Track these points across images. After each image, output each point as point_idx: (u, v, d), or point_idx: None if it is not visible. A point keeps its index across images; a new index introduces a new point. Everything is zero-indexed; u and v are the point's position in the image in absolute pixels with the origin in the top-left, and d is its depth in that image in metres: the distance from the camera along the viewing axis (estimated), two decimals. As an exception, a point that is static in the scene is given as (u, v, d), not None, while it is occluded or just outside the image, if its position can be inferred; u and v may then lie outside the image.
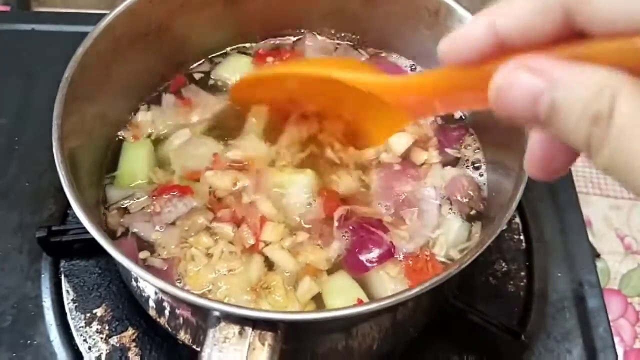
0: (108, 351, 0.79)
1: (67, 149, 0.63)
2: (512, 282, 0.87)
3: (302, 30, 0.93)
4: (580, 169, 1.17)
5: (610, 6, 0.34)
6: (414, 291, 0.55)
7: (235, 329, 0.54)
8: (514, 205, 0.63)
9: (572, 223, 0.92)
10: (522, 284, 0.87)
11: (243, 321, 0.54)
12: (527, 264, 0.88)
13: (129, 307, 0.82)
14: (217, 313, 0.54)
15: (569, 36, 0.37)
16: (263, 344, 0.53)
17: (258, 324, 0.54)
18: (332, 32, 0.94)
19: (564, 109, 0.35)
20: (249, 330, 0.54)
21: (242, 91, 0.84)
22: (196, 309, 0.63)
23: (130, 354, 0.79)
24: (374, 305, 0.55)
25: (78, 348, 0.79)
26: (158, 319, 0.75)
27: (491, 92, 0.38)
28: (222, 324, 0.54)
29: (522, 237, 0.91)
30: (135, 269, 0.56)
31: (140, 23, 0.76)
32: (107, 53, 0.72)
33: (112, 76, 0.74)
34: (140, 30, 0.76)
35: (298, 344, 0.63)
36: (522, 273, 0.88)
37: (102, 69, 0.72)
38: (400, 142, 0.82)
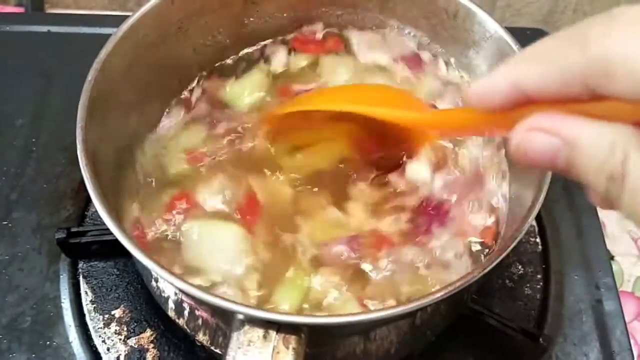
0: (126, 352, 0.80)
1: (91, 152, 0.63)
2: (528, 285, 0.87)
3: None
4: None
5: (634, 88, 0.35)
6: (439, 295, 0.55)
7: (260, 332, 0.54)
8: (535, 212, 0.63)
9: (589, 226, 0.92)
10: (538, 287, 0.87)
11: (267, 324, 0.54)
12: (544, 266, 0.88)
13: (147, 309, 0.83)
14: (241, 316, 0.55)
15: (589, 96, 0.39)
16: (287, 348, 0.54)
17: (282, 327, 0.54)
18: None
19: (580, 167, 0.38)
20: (273, 333, 0.54)
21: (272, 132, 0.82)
22: (219, 312, 0.63)
23: (148, 355, 0.80)
24: (399, 309, 0.56)
25: (97, 349, 0.80)
26: (177, 320, 0.75)
27: (510, 147, 0.42)
28: (247, 327, 0.54)
29: (538, 240, 0.91)
30: (159, 271, 0.56)
31: (162, 24, 0.76)
32: (130, 55, 0.72)
33: (133, 78, 0.74)
34: (162, 32, 0.76)
35: (320, 347, 0.63)
36: (539, 276, 0.88)
37: (124, 70, 0.72)
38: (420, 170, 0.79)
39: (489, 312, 0.79)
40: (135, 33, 0.73)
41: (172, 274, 0.56)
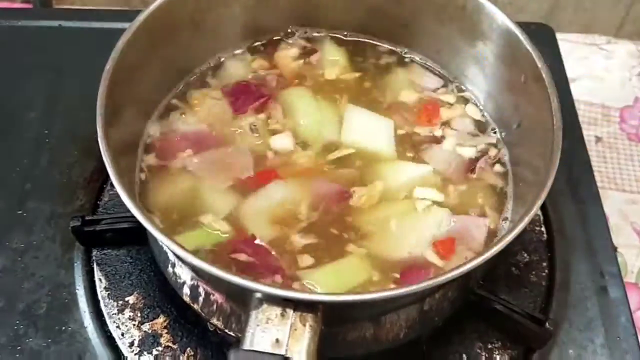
0: (140, 337, 0.81)
1: (110, 139, 0.65)
2: (534, 273, 0.89)
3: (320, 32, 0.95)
4: (596, 165, 1.19)
5: None
6: (451, 274, 0.57)
7: (277, 310, 0.55)
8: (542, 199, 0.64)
9: (593, 216, 0.94)
10: (543, 274, 0.89)
11: (285, 303, 0.56)
12: (549, 254, 0.90)
13: (160, 296, 0.84)
14: (259, 295, 0.56)
15: None
16: (304, 325, 0.55)
17: (299, 305, 0.56)
18: (353, 26, 0.95)
19: None
20: (290, 311, 0.55)
21: None
22: (237, 291, 0.65)
23: (162, 340, 0.81)
24: (413, 287, 0.57)
25: (111, 334, 0.81)
26: (192, 305, 0.77)
27: None
28: (265, 305, 0.56)
29: (543, 229, 0.92)
30: (181, 252, 0.58)
31: (176, 16, 0.78)
32: (145, 46, 0.74)
33: (148, 68, 0.76)
34: (176, 24, 0.78)
35: (333, 327, 0.65)
36: (544, 264, 0.89)
37: (140, 61, 0.74)
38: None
39: (496, 297, 0.80)
40: (150, 24, 0.75)
41: (192, 254, 0.57)
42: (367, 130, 0.85)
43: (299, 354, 0.54)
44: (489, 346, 0.82)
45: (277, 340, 0.54)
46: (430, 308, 0.75)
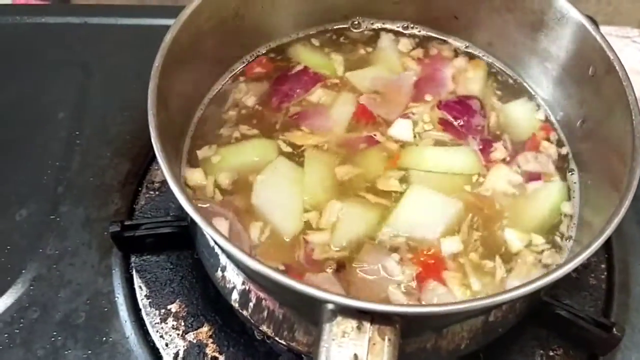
0: (185, 347, 0.77)
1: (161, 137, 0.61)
2: (593, 275, 0.85)
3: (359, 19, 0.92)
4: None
5: None
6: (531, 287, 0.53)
7: (353, 323, 0.52)
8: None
9: (649, 212, 0.90)
10: (602, 276, 0.85)
11: (360, 315, 0.52)
12: (607, 256, 0.86)
13: (203, 303, 0.81)
14: (332, 306, 0.52)
15: None
16: (383, 339, 0.51)
17: (376, 317, 0.52)
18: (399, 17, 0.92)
19: None
20: (367, 324, 0.52)
21: None
22: (303, 301, 0.61)
23: (208, 350, 0.77)
24: (491, 300, 0.53)
25: (155, 345, 0.78)
26: (241, 311, 0.72)
27: None
28: (339, 318, 0.52)
29: (600, 229, 0.88)
30: (246, 259, 0.54)
31: (221, 9, 0.74)
32: (191, 40, 0.70)
33: (194, 62, 0.72)
34: (221, 16, 0.74)
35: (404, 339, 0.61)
36: (602, 265, 0.86)
37: (186, 55, 0.70)
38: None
39: (559, 303, 0.76)
40: (197, 17, 0.71)
41: (259, 261, 0.53)
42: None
43: (380, 371, 0.50)
44: (550, 353, 0.79)
45: (355, 356, 0.50)
46: (495, 319, 0.71)
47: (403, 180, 0.77)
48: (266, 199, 0.75)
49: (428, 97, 0.86)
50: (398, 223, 0.73)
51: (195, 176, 0.77)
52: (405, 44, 0.91)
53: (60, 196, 0.89)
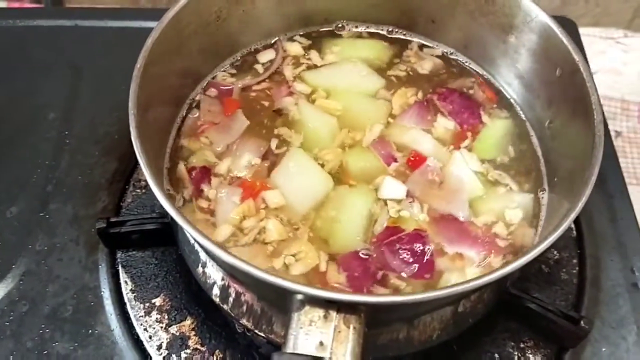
0: (168, 340, 0.80)
1: (142, 138, 0.63)
2: (564, 270, 0.87)
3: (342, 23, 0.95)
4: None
5: None
6: (492, 276, 0.56)
7: (320, 312, 0.54)
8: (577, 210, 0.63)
9: (621, 211, 0.93)
10: (574, 271, 0.87)
11: (328, 304, 0.54)
12: (579, 251, 0.89)
13: (186, 297, 0.83)
14: (301, 296, 0.55)
15: None
16: (348, 327, 0.54)
17: (342, 307, 0.54)
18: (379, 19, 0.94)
19: None
20: (333, 313, 0.54)
21: None
22: (275, 292, 0.63)
23: (190, 343, 0.80)
24: (453, 289, 0.56)
25: (139, 337, 0.80)
26: (222, 305, 0.75)
27: None
28: (307, 307, 0.54)
29: (572, 226, 0.91)
30: (218, 251, 0.56)
31: (203, 13, 0.77)
32: (173, 43, 0.73)
33: (175, 65, 0.75)
34: (202, 20, 0.77)
35: (372, 329, 0.64)
36: (574, 261, 0.88)
37: (167, 57, 0.73)
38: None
39: (529, 296, 0.79)
40: (178, 22, 0.73)
41: (233, 255, 0.56)
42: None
43: (344, 357, 0.53)
44: (521, 345, 0.81)
45: (321, 343, 0.53)
46: (464, 309, 0.73)
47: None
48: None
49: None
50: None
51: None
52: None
53: (50, 194, 0.92)
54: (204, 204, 0.77)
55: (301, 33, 0.93)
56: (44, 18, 1.15)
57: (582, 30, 1.35)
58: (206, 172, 0.79)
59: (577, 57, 0.71)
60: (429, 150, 0.81)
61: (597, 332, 0.83)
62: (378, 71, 0.90)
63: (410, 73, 0.91)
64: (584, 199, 0.61)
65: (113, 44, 1.10)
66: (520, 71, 0.83)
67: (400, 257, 0.70)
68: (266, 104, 0.87)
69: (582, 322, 0.77)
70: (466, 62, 0.90)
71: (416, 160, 0.80)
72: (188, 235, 0.72)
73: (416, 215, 0.75)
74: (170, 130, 0.82)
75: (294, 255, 0.71)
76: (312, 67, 0.91)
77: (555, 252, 0.89)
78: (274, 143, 0.82)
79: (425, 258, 0.70)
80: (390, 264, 0.70)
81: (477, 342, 0.81)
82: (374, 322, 0.64)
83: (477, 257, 0.73)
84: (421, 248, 0.70)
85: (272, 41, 0.91)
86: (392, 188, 0.77)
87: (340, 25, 0.94)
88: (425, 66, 0.91)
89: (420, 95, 0.88)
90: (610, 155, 0.98)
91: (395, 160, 0.80)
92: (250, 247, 0.74)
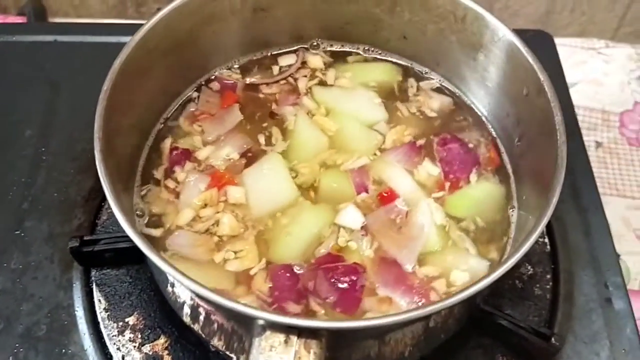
0: (141, 359, 0.80)
1: (107, 161, 0.64)
2: (538, 285, 0.88)
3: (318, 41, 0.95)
4: (597, 171, 1.18)
5: None
6: (457, 297, 0.56)
7: (281, 337, 0.55)
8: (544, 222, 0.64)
9: (596, 225, 0.93)
10: (548, 286, 0.88)
11: (288, 329, 0.55)
12: (553, 266, 0.89)
13: (160, 316, 0.83)
14: (262, 322, 0.55)
15: None
16: (309, 352, 0.54)
17: (303, 332, 0.55)
18: (352, 39, 0.95)
19: None
20: (294, 338, 0.55)
21: None
22: (238, 317, 0.64)
23: (163, 362, 0.80)
24: (415, 313, 0.57)
25: (112, 357, 0.80)
26: (192, 325, 0.76)
27: None
28: (268, 332, 0.55)
29: (546, 240, 0.91)
30: (177, 276, 0.57)
31: (171, 34, 0.77)
32: (142, 65, 0.74)
33: (144, 87, 0.75)
34: (171, 41, 0.77)
35: (338, 351, 0.64)
36: (548, 276, 0.89)
37: (136, 80, 0.73)
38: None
39: (501, 313, 0.79)
40: (146, 43, 0.74)
41: (192, 279, 0.56)
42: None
43: (304, 382, 0.53)
44: (494, 361, 0.81)
45: (281, 369, 0.53)
46: (435, 325, 0.74)
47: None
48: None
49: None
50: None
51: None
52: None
53: (25, 211, 0.92)
54: (171, 184, 0.82)
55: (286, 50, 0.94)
56: (23, 34, 1.15)
57: (563, 41, 1.36)
58: (186, 155, 0.83)
59: (542, 76, 0.71)
60: (405, 191, 0.81)
61: (570, 348, 0.83)
62: (390, 95, 0.91)
63: (417, 114, 0.90)
64: (545, 220, 0.62)
65: (92, 60, 1.09)
66: (490, 89, 0.83)
67: (331, 283, 0.69)
68: (267, 106, 0.89)
69: (553, 339, 0.77)
70: (439, 80, 0.91)
71: (388, 197, 0.80)
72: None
73: (363, 249, 0.75)
74: (142, 148, 0.82)
75: (235, 252, 0.73)
76: (324, 83, 0.92)
77: (529, 267, 0.89)
78: (258, 144, 0.84)
79: (354, 293, 0.69)
80: (318, 287, 0.69)
81: (450, 359, 0.82)
82: (340, 344, 0.64)
83: (406, 306, 0.72)
84: (353, 281, 0.69)
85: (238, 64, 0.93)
86: (351, 216, 0.77)
87: (315, 44, 0.95)
88: (433, 106, 0.90)
89: (419, 139, 0.87)
90: (586, 169, 0.99)
91: (367, 191, 0.80)
92: (200, 236, 0.77)
